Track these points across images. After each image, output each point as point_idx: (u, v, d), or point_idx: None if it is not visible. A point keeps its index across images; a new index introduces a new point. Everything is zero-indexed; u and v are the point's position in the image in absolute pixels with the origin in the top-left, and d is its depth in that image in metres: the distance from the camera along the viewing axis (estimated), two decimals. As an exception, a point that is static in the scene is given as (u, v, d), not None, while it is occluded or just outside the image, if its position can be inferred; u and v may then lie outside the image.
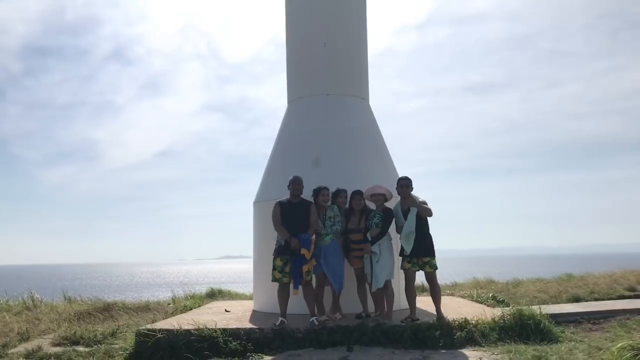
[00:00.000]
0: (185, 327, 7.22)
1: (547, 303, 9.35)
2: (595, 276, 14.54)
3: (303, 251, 7.17)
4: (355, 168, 8.82)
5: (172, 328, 7.14)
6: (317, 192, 7.66)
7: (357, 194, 7.78)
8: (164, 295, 17.12)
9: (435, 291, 7.62)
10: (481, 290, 11.32)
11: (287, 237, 7.23)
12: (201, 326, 7.13)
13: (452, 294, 11.34)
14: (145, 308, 11.54)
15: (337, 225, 7.63)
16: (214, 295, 13.55)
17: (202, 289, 14.53)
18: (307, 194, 7.68)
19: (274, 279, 7.40)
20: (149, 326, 7.40)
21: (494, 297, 9.91)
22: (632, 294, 10.08)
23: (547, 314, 7.19)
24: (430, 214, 7.38)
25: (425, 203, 7.45)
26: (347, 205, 7.79)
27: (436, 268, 7.50)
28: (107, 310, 11.04)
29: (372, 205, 7.88)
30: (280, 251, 7.37)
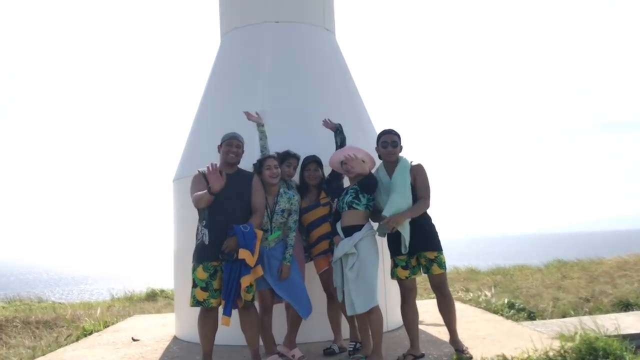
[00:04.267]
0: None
1: (584, 311, 6.84)
2: (597, 263, 12.43)
3: (243, 253, 4.35)
4: (318, 124, 5.97)
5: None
6: (261, 161, 4.83)
7: (312, 162, 5.02)
8: (104, 294, 15.85)
9: (446, 304, 4.81)
10: (476, 286, 8.95)
11: (207, 197, 4.33)
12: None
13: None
14: (52, 322, 8.99)
15: (292, 215, 4.83)
16: (154, 296, 11.87)
17: (145, 287, 13.08)
18: (247, 165, 4.89)
19: (195, 302, 4.52)
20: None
21: (511, 305, 7.11)
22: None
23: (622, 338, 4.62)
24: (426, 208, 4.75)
25: (424, 176, 4.73)
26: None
27: (445, 268, 4.79)
28: (2, 327, 8.73)
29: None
30: (204, 254, 4.50)
